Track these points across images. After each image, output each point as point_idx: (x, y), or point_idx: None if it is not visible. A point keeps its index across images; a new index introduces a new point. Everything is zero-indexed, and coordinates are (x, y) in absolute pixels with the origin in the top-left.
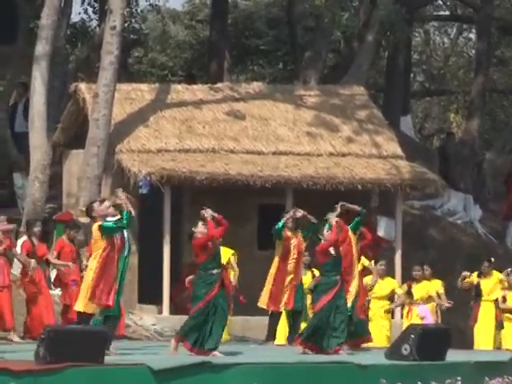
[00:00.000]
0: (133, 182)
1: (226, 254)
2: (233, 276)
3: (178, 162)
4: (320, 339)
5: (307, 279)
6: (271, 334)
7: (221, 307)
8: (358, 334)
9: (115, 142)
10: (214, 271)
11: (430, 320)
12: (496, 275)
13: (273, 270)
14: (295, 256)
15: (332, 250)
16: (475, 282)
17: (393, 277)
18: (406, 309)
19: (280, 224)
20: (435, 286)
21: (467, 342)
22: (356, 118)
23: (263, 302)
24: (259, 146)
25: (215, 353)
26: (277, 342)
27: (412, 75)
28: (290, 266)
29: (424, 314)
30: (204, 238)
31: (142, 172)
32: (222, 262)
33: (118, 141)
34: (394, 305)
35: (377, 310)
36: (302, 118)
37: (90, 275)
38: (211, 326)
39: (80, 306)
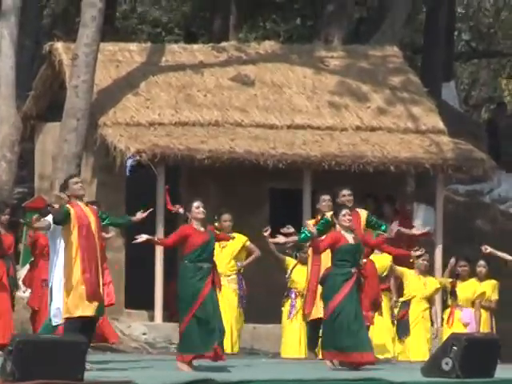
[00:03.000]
0: (119, 162)
1: (241, 240)
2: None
3: (173, 138)
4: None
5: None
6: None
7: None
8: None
9: (98, 113)
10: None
11: (475, 327)
12: None
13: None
14: None
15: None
16: None
17: (432, 275)
18: (448, 313)
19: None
20: (486, 288)
21: None
22: (388, 84)
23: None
24: (271, 119)
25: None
26: (286, 354)
27: (456, 33)
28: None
29: (468, 320)
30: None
31: (131, 149)
32: (238, 248)
33: (101, 112)
34: None
35: (418, 313)
36: (324, 84)
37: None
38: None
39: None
